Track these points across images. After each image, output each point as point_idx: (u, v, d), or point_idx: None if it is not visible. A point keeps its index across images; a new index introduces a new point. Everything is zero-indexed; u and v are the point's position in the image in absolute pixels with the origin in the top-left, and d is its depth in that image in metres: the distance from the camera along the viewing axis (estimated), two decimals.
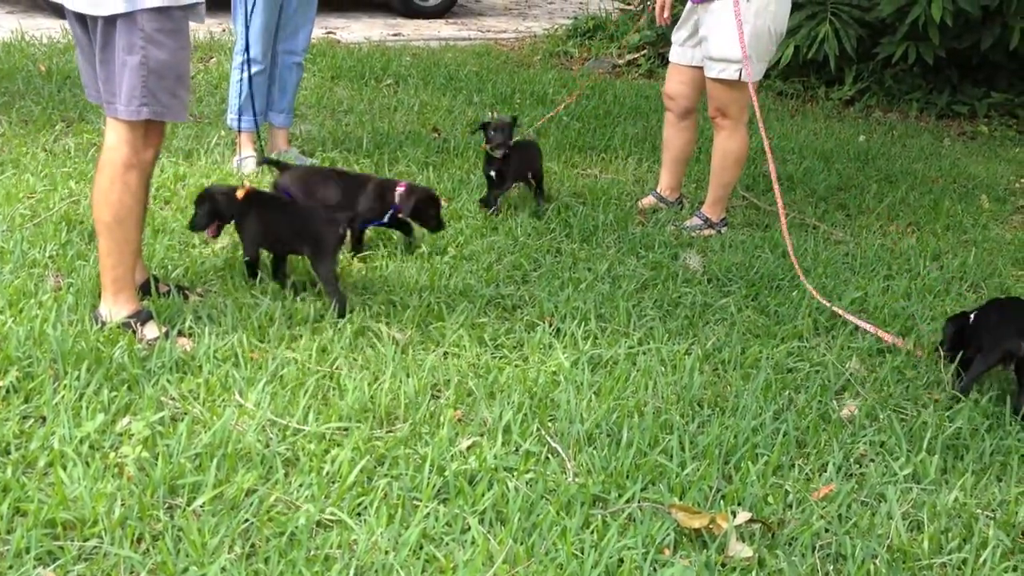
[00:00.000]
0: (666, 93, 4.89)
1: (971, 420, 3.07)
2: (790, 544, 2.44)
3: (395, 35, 9.62)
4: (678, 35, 4.73)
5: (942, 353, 3.45)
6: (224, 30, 8.03)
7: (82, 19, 2.95)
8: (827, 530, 2.51)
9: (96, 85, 3.02)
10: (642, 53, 8.89)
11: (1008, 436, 3.03)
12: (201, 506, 2.34)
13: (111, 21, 2.85)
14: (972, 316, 3.39)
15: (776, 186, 4.26)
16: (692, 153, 5.12)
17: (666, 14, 4.83)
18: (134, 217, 3.02)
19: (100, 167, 3.01)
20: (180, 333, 3.12)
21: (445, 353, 3.23)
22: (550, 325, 3.46)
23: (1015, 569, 2.43)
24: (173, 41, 2.91)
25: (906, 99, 8.08)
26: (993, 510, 2.67)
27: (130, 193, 2.98)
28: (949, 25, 7.13)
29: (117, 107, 2.93)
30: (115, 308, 3.07)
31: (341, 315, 3.33)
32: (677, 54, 4.74)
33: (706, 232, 4.66)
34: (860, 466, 2.83)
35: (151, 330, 3.08)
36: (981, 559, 2.44)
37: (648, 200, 4.99)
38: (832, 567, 2.39)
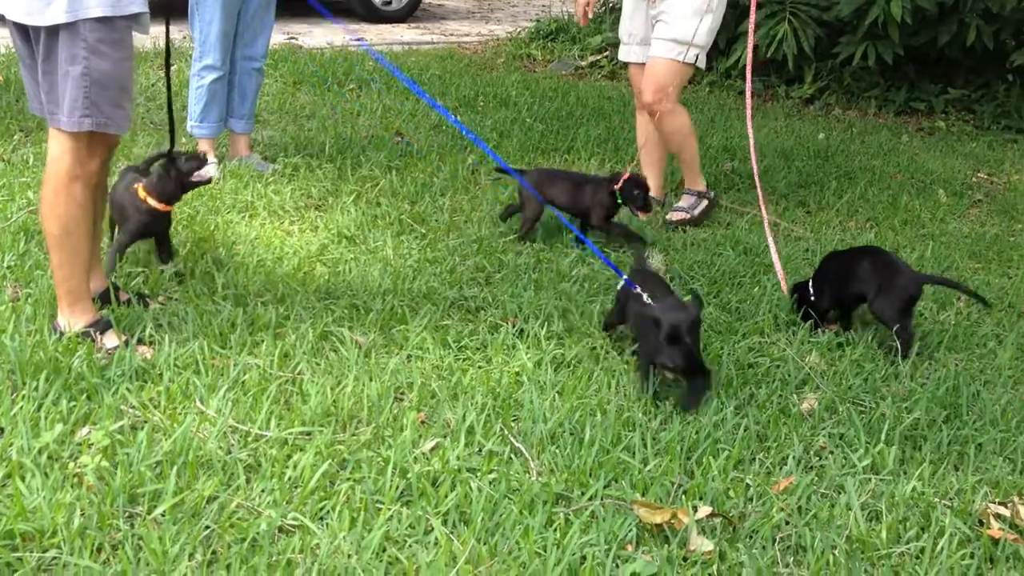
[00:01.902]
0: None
1: (928, 411, 3.11)
2: (751, 537, 2.47)
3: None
4: (633, 36, 4.76)
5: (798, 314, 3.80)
6: (184, 37, 7.96)
7: (23, 30, 2.90)
8: (787, 522, 2.54)
9: (39, 96, 2.96)
10: (604, 55, 8.92)
11: (964, 426, 3.07)
12: (161, 514, 2.33)
13: (53, 32, 2.81)
14: (811, 281, 3.77)
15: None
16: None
17: (590, 14, 4.87)
18: (83, 228, 2.98)
19: (45, 179, 2.96)
20: (140, 341, 3.10)
21: (408, 356, 3.23)
22: (513, 326, 3.47)
23: (972, 557, 2.47)
24: (116, 51, 2.86)
25: (865, 97, 8.16)
26: (950, 499, 2.71)
27: (76, 204, 2.94)
28: (908, 23, 7.22)
29: (60, 118, 2.88)
30: (73, 319, 3.04)
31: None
32: (643, 54, 4.73)
33: (703, 205, 4.86)
34: (820, 458, 2.86)
35: (110, 339, 3.06)
36: (938, 547, 2.47)
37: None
38: (792, 559, 2.42)
